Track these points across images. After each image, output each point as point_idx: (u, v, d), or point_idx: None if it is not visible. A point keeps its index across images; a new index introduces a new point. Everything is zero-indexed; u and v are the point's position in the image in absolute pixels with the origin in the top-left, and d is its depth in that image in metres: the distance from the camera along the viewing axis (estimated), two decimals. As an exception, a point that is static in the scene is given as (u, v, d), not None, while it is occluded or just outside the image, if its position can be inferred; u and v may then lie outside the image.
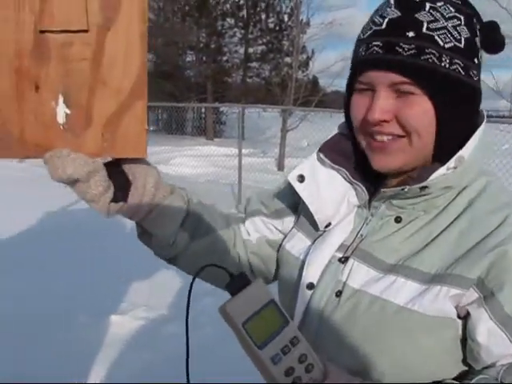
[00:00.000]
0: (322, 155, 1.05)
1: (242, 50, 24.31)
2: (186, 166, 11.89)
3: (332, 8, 18.61)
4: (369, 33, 0.94)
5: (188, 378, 0.94)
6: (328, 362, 0.85)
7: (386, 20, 0.91)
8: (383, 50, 0.90)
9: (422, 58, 0.89)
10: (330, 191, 1.04)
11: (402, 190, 0.93)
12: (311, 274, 1.03)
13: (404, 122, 0.92)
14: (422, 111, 0.91)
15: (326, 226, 1.05)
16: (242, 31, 23.91)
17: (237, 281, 0.84)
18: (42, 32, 0.94)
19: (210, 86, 22.70)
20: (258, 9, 23.55)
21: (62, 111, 0.97)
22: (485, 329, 0.87)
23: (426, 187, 0.92)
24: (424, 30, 0.89)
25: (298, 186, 1.05)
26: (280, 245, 1.19)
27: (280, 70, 22.67)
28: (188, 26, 21.97)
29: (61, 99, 0.97)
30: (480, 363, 0.90)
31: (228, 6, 23.37)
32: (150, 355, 3.25)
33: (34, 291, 4.02)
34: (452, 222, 0.94)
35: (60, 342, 3.27)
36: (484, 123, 0.97)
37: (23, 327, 3.44)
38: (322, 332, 0.98)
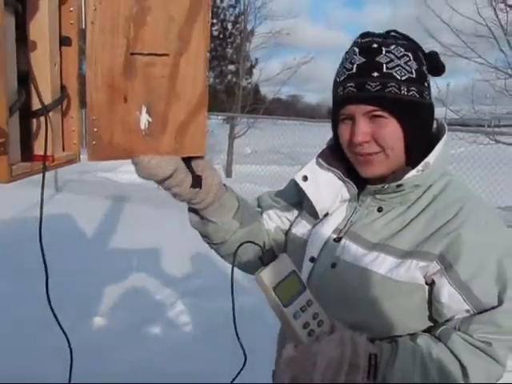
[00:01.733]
0: (320, 160, 1.36)
1: (185, 57, 24.31)
2: (134, 173, 11.83)
3: (279, 17, 18.69)
4: (343, 77, 1.23)
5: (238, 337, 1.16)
6: (334, 319, 1.16)
7: (355, 65, 1.20)
8: (356, 88, 1.20)
9: (386, 90, 1.18)
10: (328, 188, 1.34)
11: (383, 187, 1.23)
12: (313, 250, 1.33)
13: (380, 141, 1.21)
14: (392, 131, 1.20)
15: (324, 216, 1.36)
16: (186, 38, 23.92)
17: (267, 255, 1.10)
18: (132, 54, 1.12)
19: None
20: (202, 16, 23.64)
21: (144, 119, 1.17)
22: (446, 292, 1.17)
23: (401, 185, 1.21)
24: (384, 69, 1.18)
25: (303, 184, 1.35)
26: (288, 230, 1.50)
27: (224, 78, 22.85)
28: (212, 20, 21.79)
29: (144, 109, 1.16)
30: (442, 318, 1.20)
31: (172, 13, 23.35)
32: (132, 355, 3.34)
33: (18, 294, 4.04)
34: (421, 212, 1.23)
35: (44, 344, 3.31)
36: (446, 134, 1.27)
37: (7, 329, 3.47)
38: (322, 295, 1.20)
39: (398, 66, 1.19)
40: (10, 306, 3.74)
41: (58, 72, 1.07)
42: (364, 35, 1.24)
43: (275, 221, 1.51)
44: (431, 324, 1.24)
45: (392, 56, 1.19)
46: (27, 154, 1.04)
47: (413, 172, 1.20)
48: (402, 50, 1.21)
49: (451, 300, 1.16)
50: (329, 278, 1.27)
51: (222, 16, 23.01)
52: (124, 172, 11.47)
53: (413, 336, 1.19)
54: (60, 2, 1.07)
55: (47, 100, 1.03)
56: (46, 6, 1.02)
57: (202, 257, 4.81)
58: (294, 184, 1.48)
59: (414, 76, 1.20)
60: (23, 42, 1.00)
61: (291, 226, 1.48)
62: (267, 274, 1.07)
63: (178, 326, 3.78)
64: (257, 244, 1.18)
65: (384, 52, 1.19)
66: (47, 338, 2.85)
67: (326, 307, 1.17)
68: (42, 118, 1.02)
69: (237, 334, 1.14)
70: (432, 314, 1.23)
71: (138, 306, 4.06)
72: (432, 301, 1.20)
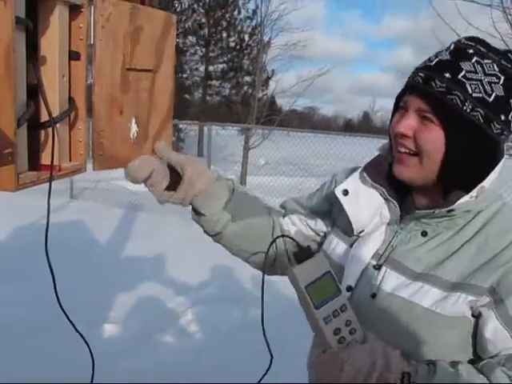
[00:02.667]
0: (364, 174, 1.24)
1: (202, 68, 24.57)
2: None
3: (295, 30, 18.87)
4: (422, 65, 1.14)
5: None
6: (368, 331, 1.08)
7: (437, 59, 1.11)
8: (423, 80, 1.10)
9: (448, 96, 1.06)
10: (368, 205, 1.23)
11: (433, 212, 1.12)
12: (350, 278, 1.22)
13: (419, 142, 1.11)
14: (434, 138, 1.09)
15: (359, 232, 1.25)
16: (203, 49, 24.18)
17: (303, 252, 1.05)
18: (128, 69, 1.19)
19: (171, 103, 22.75)
20: (220, 28, 23.87)
21: (133, 129, 1.26)
22: (492, 327, 1.07)
23: (452, 210, 1.10)
24: (460, 76, 1.07)
25: (342, 199, 1.24)
26: (319, 245, 1.42)
27: (240, 89, 23.02)
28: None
29: (133, 120, 1.26)
30: (487, 354, 1.10)
31: (189, 24, 23.62)
32: (142, 362, 3.38)
33: (33, 299, 4.10)
34: (470, 239, 1.12)
35: (55, 349, 3.36)
36: (504, 158, 1.14)
37: (20, 335, 3.53)
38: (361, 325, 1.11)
39: (477, 80, 1.06)
40: (22, 311, 3.81)
41: (66, 85, 1.12)
42: (471, 38, 1.13)
43: (297, 225, 1.44)
44: (474, 358, 1.15)
45: (479, 68, 1.07)
46: (35, 163, 1.09)
47: (466, 197, 1.10)
48: (497, 69, 1.08)
49: (497, 336, 1.07)
50: (368, 310, 1.17)
51: (239, 27, 23.21)
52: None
53: (453, 363, 1.10)
54: (70, 19, 1.12)
55: (55, 111, 1.08)
56: (56, 23, 1.07)
57: (214, 266, 4.85)
58: (325, 194, 1.41)
59: (489, 99, 1.07)
60: (34, 56, 1.06)
61: (323, 242, 1.39)
62: (301, 271, 1.00)
63: (188, 334, 3.82)
64: (293, 239, 1.23)
65: (473, 60, 1.08)
66: (61, 343, 2.90)
67: None
68: (50, 129, 1.07)
69: (264, 336, 1.08)
70: (475, 349, 1.14)
71: (150, 314, 4.10)
72: (477, 334, 1.12)
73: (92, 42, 1.14)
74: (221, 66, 24.44)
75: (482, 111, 1.07)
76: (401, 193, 1.22)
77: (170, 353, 3.49)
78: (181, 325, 3.91)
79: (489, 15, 10.06)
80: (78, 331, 1.11)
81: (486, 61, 1.08)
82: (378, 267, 1.19)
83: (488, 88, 1.07)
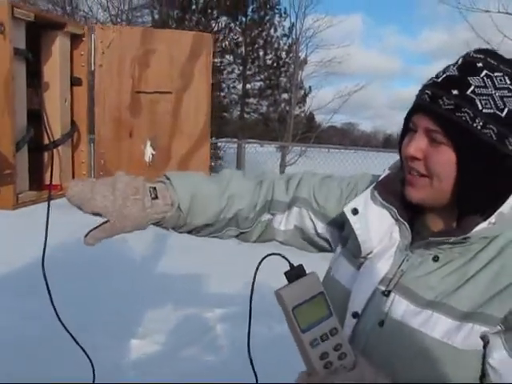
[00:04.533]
0: (375, 193, 1.16)
1: (240, 86, 24.78)
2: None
3: (330, 46, 18.95)
4: (429, 82, 1.07)
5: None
6: (360, 355, 1.01)
7: (444, 75, 1.04)
8: (430, 98, 1.03)
9: (457, 114, 0.99)
10: (378, 225, 1.16)
11: (448, 239, 1.04)
12: (356, 304, 1.14)
13: (429, 165, 1.04)
14: (445, 160, 1.01)
15: (368, 254, 1.17)
16: (241, 67, 24.43)
17: (295, 270, 0.97)
18: (138, 92, 1.23)
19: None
20: (257, 46, 24.09)
21: (148, 152, 1.27)
22: (498, 355, 0.98)
23: (467, 237, 1.02)
24: (468, 91, 0.99)
25: (351, 218, 1.17)
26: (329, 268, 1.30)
27: (278, 106, 23.15)
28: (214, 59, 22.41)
29: (148, 143, 1.27)
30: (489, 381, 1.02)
31: (227, 42, 23.94)
32: (168, 376, 3.43)
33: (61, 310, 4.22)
34: (485, 266, 1.03)
35: (81, 362, 3.44)
36: None
37: (47, 346, 3.62)
38: (367, 354, 1.06)
39: (488, 95, 0.99)
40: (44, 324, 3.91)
41: (68, 109, 1.19)
42: (480, 51, 1.06)
43: (302, 222, 1.32)
44: None
45: (489, 82, 1.00)
46: (40, 183, 1.16)
47: (483, 224, 1.02)
48: (509, 82, 1.01)
49: (502, 366, 0.99)
50: (376, 338, 1.10)
51: (275, 45, 23.40)
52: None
53: None
54: (72, 47, 1.19)
55: (57, 135, 1.15)
56: (57, 52, 1.15)
57: (241, 282, 4.88)
58: (342, 205, 1.26)
59: (502, 115, 0.99)
60: (37, 83, 1.13)
61: (332, 264, 1.29)
62: (288, 293, 0.95)
63: (215, 349, 3.85)
64: (284, 257, 0.99)
65: (483, 74, 1.01)
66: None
67: None
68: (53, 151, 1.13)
69: (251, 361, 1.04)
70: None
71: (176, 329, 4.15)
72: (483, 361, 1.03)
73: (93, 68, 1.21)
74: (258, 83, 24.56)
75: (494, 128, 0.99)
76: (413, 213, 1.16)
77: (196, 368, 3.52)
78: (208, 340, 3.94)
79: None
80: (78, 344, 1.15)
81: (496, 74, 1.01)
82: (386, 293, 1.11)
83: (500, 103, 1.00)
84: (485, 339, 1.01)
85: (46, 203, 1.05)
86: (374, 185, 1.18)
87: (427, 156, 1.04)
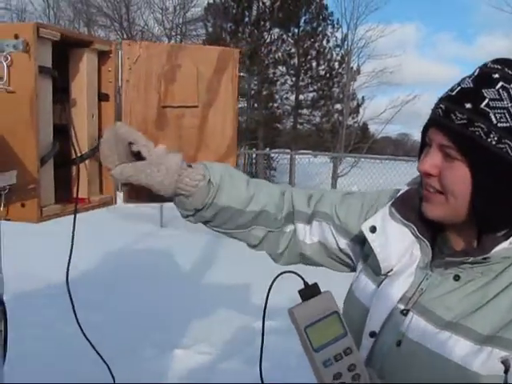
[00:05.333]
0: (393, 210, 1.13)
1: (292, 97, 24.82)
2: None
3: (382, 56, 18.80)
4: (444, 95, 1.03)
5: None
6: (375, 377, 1.01)
7: (459, 88, 1.00)
8: (443, 113, 0.99)
9: (470, 129, 0.95)
10: (397, 243, 1.13)
11: (466, 259, 1.01)
12: (374, 323, 1.10)
13: (443, 182, 1.01)
14: (460, 177, 0.98)
15: (388, 272, 1.14)
16: (293, 78, 24.49)
17: (309, 289, 0.97)
18: (164, 107, 1.24)
19: (261, 133, 23.23)
20: (309, 57, 24.10)
21: None
22: None
23: (487, 257, 0.99)
24: (482, 105, 0.95)
25: (369, 236, 1.14)
26: (351, 284, 1.27)
27: (330, 117, 23.06)
28: (243, 75, 22.70)
29: None
30: None
31: (279, 54, 24.06)
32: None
33: (109, 319, 4.32)
34: (506, 287, 0.99)
35: (124, 371, 3.50)
36: None
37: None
38: (385, 376, 1.06)
39: (503, 108, 0.95)
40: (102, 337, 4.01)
41: (95, 124, 1.22)
42: (497, 61, 1.01)
43: (324, 237, 1.29)
44: None
45: (505, 95, 0.95)
46: (69, 197, 1.19)
47: (504, 244, 0.98)
48: None
49: None
50: (393, 359, 1.07)
51: (328, 56, 23.36)
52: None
53: None
54: (100, 64, 1.22)
55: (84, 149, 1.18)
56: (85, 68, 1.18)
57: (286, 296, 4.87)
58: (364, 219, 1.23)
59: None
60: (65, 99, 1.16)
61: (354, 281, 1.25)
62: (301, 311, 0.94)
63: (256, 362, 3.85)
64: (299, 275, 0.99)
65: (498, 87, 0.96)
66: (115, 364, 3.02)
67: None
68: (81, 165, 1.16)
69: (260, 372, 1.06)
70: None
71: (221, 340, 4.17)
72: None
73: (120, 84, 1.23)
74: (311, 94, 24.57)
75: (510, 142, 0.95)
76: (435, 230, 1.12)
77: (236, 380, 3.53)
78: (249, 353, 3.94)
79: None
80: (99, 354, 1.17)
81: None
82: (405, 312, 1.08)
83: None
84: (506, 364, 0.96)
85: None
86: (391, 201, 1.15)
87: (442, 172, 1.01)
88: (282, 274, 0.99)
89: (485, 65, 1.02)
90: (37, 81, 1.01)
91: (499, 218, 0.99)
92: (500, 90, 0.96)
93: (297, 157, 12.83)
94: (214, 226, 1.22)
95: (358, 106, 22.69)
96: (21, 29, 1.01)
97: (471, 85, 0.98)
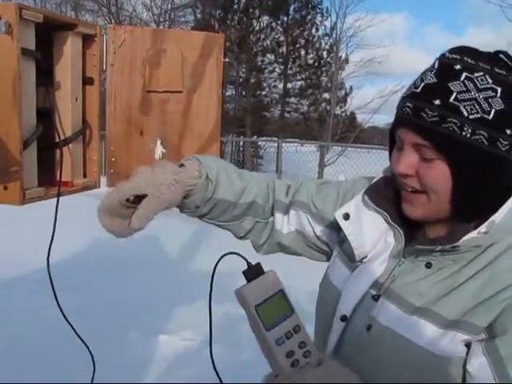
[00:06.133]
0: (366, 197, 1.14)
1: (280, 86, 24.73)
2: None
3: (371, 46, 18.79)
4: (408, 93, 1.02)
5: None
6: (322, 353, 0.99)
7: (423, 84, 0.99)
8: (412, 112, 0.98)
9: (443, 125, 0.95)
10: (371, 230, 1.14)
11: (435, 248, 1.02)
12: (345, 308, 1.12)
13: (423, 181, 1.00)
14: (439, 174, 0.98)
15: (362, 259, 1.15)
16: (282, 67, 24.40)
17: (253, 269, 0.95)
18: (149, 92, 1.25)
19: (249, 120, 23.17)
20: (298, 45, 24.00)
21: (159, 151, 1.29)
22: (477, 362, 0.95)
23: (457, 246, 0.99)
24: (451, 99, 0.95)
25: (343, 223, 1.15)
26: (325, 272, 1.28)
27: (318, 106, 23.05)
28: (228, 61, 22.57)
29: (158, 142, 1.28)
30: None
31: (268, 42, 23.95)
32: (194, 374, 3.46)
33: (97, 307, 4.33)
34: (475, 274, 1.00)
35: (109, 355, 3.51)
36: None
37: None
38: (355, 360, 1.07)
39: (471, 99, 0.94)
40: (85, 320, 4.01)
41: (79, 108, 1.21)
42: (455, 50, 1.01)
43: (301, 225, 1.30)
44: None
45: (471, 85, 0.95)
46: (52, 180, 1.19)
47: (473, 234, 0.98)
48: (490, 81, 0.96)
49: (480, 373, 0.95)
50: (364, 343, 1.08)
51: (317, 45, 23.31)
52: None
53: None
54: (84, 47, 1.22)
55: (68, 132, 1.18)
56: (69, 51, 1.17)
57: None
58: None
59: (489, 117, 0.95)
60: (48, 82, 1.16)
61: (328, 267, 1.26)
62: (249, 291, 0.94)
63: (241, 348, 3.87)
64: (242, 257, 0.98)
65: (463, 78, 0.95)
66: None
67: (360, 373, 1.00)
68: (65, 148, 1.16)
69: (212, 361, 1.05)
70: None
71: (203, 326, 4.18)
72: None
73: (105, 68, 1.23)
74: (299, 83, 24.48)
75: (483, 132, 0.95)
76: (407, 218, 1.11)
77: (222, 366, 3.55)
78: (231, 339, 3.96)
79: None
80: (79, 336, 1.18)
81: (476, 74, 0.96)
82: (376, 298, 1.09)
83: (485, 105, 0.95)
84: (469, 347, 0.98)
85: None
86: (365, 189, 1.16)
87: (420, 171, 1.01)
88: (224, 255, 0.99)
89: (443, 55, 1.01)
90: (20, 63, 1.01)
91: (475, 209, 1.01)
92: (465, 82, 0.95)
93: (284, 145, 12.85)
94: (209, 218, 1.22)
95: (346, 95, 22.66)
96: (3, 9, 1.01)
97: (435, 79, 0.98)
